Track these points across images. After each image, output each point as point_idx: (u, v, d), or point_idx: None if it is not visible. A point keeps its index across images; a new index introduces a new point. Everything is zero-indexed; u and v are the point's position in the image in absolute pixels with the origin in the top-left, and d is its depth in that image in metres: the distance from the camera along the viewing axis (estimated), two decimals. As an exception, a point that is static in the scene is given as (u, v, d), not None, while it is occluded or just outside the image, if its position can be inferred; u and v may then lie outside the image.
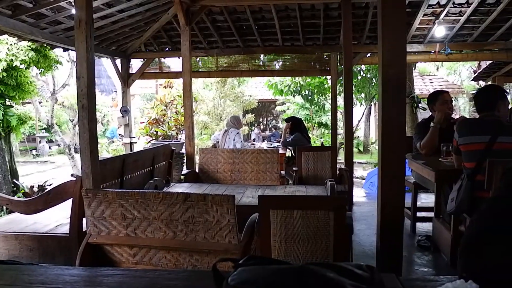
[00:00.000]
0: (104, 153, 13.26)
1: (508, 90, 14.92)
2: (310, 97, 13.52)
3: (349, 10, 4.95)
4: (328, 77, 9.11)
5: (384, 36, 2.33)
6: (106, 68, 21.94)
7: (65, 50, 6.24)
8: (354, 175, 7.01)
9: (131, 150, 7.64)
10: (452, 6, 5.84)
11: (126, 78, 7.47)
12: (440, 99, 4.03)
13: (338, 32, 6.53)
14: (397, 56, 2.30)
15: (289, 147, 6.57)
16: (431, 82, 18.23)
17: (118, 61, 7.31)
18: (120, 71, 7.35)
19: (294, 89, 13.07)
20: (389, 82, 2.27)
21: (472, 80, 13.73)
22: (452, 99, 4.27)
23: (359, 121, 15.41)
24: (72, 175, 3.10)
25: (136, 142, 8.43)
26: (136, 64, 8.39)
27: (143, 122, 11.11)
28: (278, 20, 6.26)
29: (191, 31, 5.65)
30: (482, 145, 2.81)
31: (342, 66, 5.75)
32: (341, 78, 6.33)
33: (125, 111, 7.65)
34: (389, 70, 2.28)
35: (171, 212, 2.33)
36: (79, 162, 3.07)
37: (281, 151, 6.77)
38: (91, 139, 2.81)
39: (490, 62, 8.34)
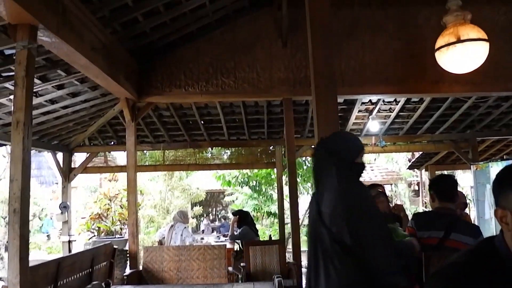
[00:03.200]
0: (39, 252, 12.29)
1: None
2: (258, 188, 13.66)
3: (290, 106, 5.25)
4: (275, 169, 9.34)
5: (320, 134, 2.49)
6: (47, 158, 21.21)
7: (1, 145, 6.03)
8: (304, 265, 6.91)
9: (69, 249, 7.15)
10: (383, 103, 6.38)
11: (68, 173, 7.23)
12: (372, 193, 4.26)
13: (282, 127, 6.84)
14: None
15: (237, 241, 6.46)
16: (372, 170, 19.14)
17: (60, 155, 7.12)
18: (61, 165, 7.13)
19: (242, 180, 13.20)
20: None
21: (407, 168, 14.56)
22: (385, 190, 4.51)
23: (306, 210, 15.58)
24: (-4, 284, 2.82)
25: (75, 240, 7.92)
26: (79, 156, 8.21)
27: (85, 217, 10.58)
28: (224, 115, 6.50)
29: (137, 126, 5.70)
30: (435, 239, 2.87)
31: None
32: (286, 170, 6.50)
33: (64, 207, 7.27)
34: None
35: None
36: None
37: (228, 245, 6.63)
38: (22, 246, 2.61)
39: (421, 152, 8.98)
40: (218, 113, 6.40)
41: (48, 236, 15.14)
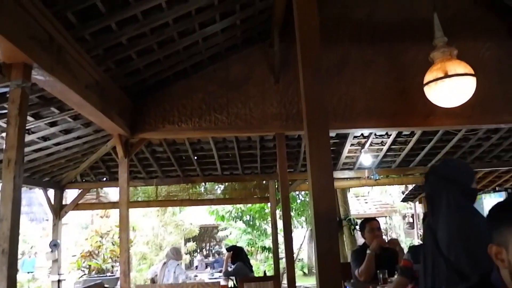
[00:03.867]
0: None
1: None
2: (251, 222, 13.53)
3: (283, 141, 5.27)
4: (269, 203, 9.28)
5: (313, 173, 2.49)
6: (38, 195, 20.91)
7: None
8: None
9: (58, 289, 6.95)
10: (375, 137, 6.45)
11: (59, 210, 7.12)
12: (367, 227, 4.28)
13: (275, 161, 6.85)
14: (326, 191, 2.44)
15: (231, 277, 6.33)
16: (366, 203, 19.09)
17: (51, 191, 7.04)
18: (52, 202, 7.03)
19: (236, 214, 13.09)
20: (321, 217, 2.37)
21: (401, 201, 14.54)
22: (380, 224, 4.52)
23: (301, 243, 15.39)
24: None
25: (65, 280, 7.71)
26: (71, 192, 8.12)
27: (75, 255, 10.35)
28: (217, 151, 6.51)
29: (129, 162, 5.68)
30: None
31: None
32: (280, 204, 6.47)
33: (54, 245, 7.12)
34: (320, 206, 2.40)
35: None
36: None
37: (223, 282, 6.48)
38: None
39: (414, 185, 9.00)
40: (211, 148, 6.41)
41: (32, 275, 14.65)
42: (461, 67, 3.84)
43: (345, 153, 6.77)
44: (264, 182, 7.63)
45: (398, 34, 5.03)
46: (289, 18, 3.20)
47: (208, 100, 4.92)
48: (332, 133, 6.05)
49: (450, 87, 3.78)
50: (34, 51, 2.69)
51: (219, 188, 8.39)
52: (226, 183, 7.89)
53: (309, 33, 2.69)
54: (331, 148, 6.62)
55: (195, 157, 6.78)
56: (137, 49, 3.97)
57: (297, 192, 12.10)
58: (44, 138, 5.07)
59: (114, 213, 10.51)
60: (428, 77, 3.92)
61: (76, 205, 7.31)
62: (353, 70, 4.97)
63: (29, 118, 4.22)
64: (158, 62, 4.43)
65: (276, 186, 7.32)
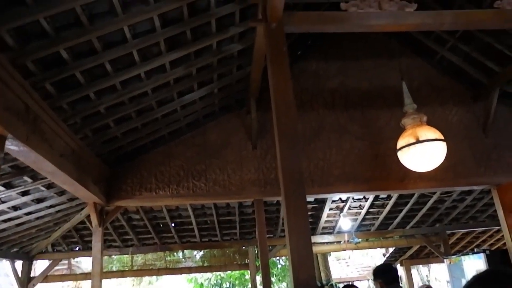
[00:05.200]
0: None
1: (417, 271, 15.64)
2: (231, 290, 13.02)
3: (262, 207, 5.23)
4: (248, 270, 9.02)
5: (291, 241, 2.47)
6: (4, 265, 19.76)
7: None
8: None
9: None
10: (353, 201, 6.48)
11: (26, 283, 6.72)
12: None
13: (254, 227, 6.74)
14: (305, 259, 2.42)
15: None
16: (348, 266, 18.74)
17: (18, 262, 6.68)
18: (19, 274, 6.65)
19: (215, 282, 12.61)
20: (301, 284, 2.33)
21: (384, 264, 14.31)
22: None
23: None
24: None
25: None
26: (41, 263, 7.73)
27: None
28: (195, 217, 6.40)
29: (104, 230, 5.49)
30: None
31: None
32: (260, 270, 6.29)
33: (19, 322, 6.64)
34: (300, 274, 2.36)
35: None
36: None
37: None
38: None
39: (395, 247, 8.94)
40: (189, 215, 6.30)
41: None
42: (431, 132, 3.98)
43: (324, 217, 6.75)
44: (243, 247, 7.46)
45: (370, 101, 5.25)
46: (265, 86, 3.31)
47: (186, 166, 4.91)
48: (311, 198, 6.06)
49: (422, 152, 3.90)
50: (9, 122, 2.67)
51: (197, 255, 8.14)
52: (205, 250, 7.68)
53: (284, 106, 2.79)
54: (310, 213, 6.62)
55: (173, 224, 6.62)
56: (115, 117, 4.00)
57: (277, 257, 11.83)
58: (15, 208, 4.90)
59: (87, 284, 10.00)
60: (400, 142, 4.05)
61: (46, 277, 6.93)
62: (329, 135, 5.10)
63: (0, 188, 4.11)
64: (136, 130, 4.45)
65: (256, 252, 7.15)
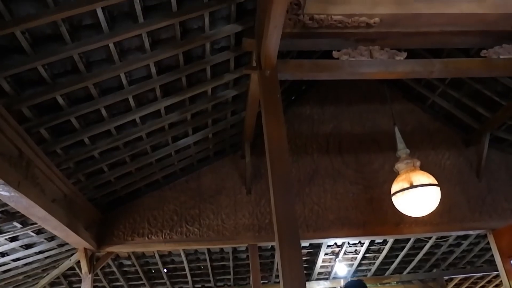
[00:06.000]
0: None
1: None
2: None
3: (256, 252, 5.14)
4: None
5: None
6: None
7: None
8: None
9: None
10: (348, 245, 6.39)
11: (10, 334, 6.43)
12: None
13: (248, 273, 6.59)
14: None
15: None
16: (345, 314, 18.21)
17: (3, 313, 6.42)
18: (4, 325, 6.38)
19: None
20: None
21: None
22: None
23: None
24: None
25: None
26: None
27: None
28: (188, 263, 6.25)
29: (94, 277, 5.34)
30: None
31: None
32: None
33: None
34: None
35: None
36: None
37: None
38: None
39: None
40: (182, 260, 6.16)
41: None
42: (425, 177, 3.99)
43: (319, 262, 6.62)
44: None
45: (364, 145, 5.30)
46: (260, 130, 3.34)
47: (179, 211, 4.86)
48: (306, 243, 5.97)
49: (416, 197, 3.89)
50: (1, 168, 2.66)
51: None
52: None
53: (278, 152, 2.80)
54: (305, 258, 6.50)
55: (165, 270, 6.46)
56: (109, 162, 3.99)
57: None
58: (2, 254, 4.77)
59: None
60: (394, 187, 4.05)
61: (31, 328, 6.63)
62: (323, 180, 5.09)
63: (-11, 234, 4.03)
64: (130, 174, 4.43)
65: (250, 299, 6.95)
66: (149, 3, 2.77)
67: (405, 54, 3.31)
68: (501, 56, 3.39)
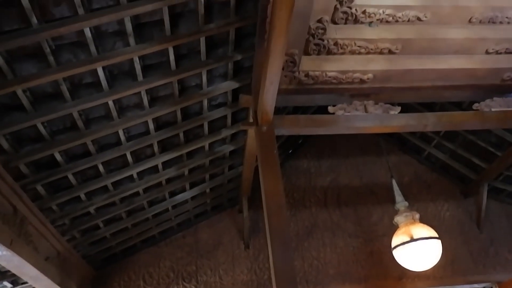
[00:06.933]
0: None
1: None
2: None
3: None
4: None
5: None
6: None
7: None
8: None
9: None
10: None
11: None
12: None
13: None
14: None
15: None
16: None
17: None
18: None
19: None
20: None
21: None
22: None
23: None
24: None
25: None
26: None
27: None
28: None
29: None
30: None
31: None
32: None
33: None
34: None
35: None
36: None
37: None
38: None
39: None
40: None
41: None
42: (425, 230, 3.94)
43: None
44: None
45: (362, 198, 5.27)
46: (257, 184, 3.34)
47: (176, 268, 4.73)
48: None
49: (418, 250, 3.81)
50: (-5, 227, 2.62)
51: None
52: None
53: (276, 207, 2.79)
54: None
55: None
56: (105, 218, 3.94)
57: None
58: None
59: None
60: (395, 241, 3.98)
61: None
62: (322, 234, 5.02)
63: (-23, 295, 3.89)
64: (126, 230, 4.36)
65: None
66: (149, 62, 2.86)
67: (399, 108, 3.37)
68: (492, 109, 3.46)
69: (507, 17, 3.09)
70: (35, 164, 2.96)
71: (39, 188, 3.09)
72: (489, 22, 3.11)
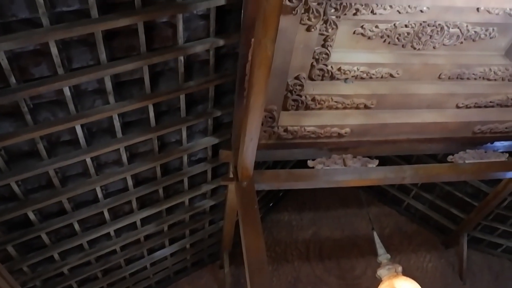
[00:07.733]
0: None
1: None
2: None
3: None
4: None
5: None
6: None
7: None
8: None
9: None
10: None
11: None
12: None
13: None
14: None
15: None
16: None
17: None
18: None
19: None
20: None
21: None
22: None
23: None
24: None
25: None
26: None
27: None
28: None
29: None
30: None
31: None
32: None
33: None
34: None
35: None
36: None
37: None
38: None
39: None
40: None
41: None
42: (408, 283, 3.87)
43: None
44: None
45: (344, 251, 5.22)
46: (239, 239, 3.28)
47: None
48: None
49: (402, 305, 3.74)
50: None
51: None
52: None
53: (257, 264, 2.74)
54: None
55: None
56: (80, 278, 3.77)
57: None
58: None
59: None
60: (379, 295, 3.90)
61: None
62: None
63: None
64: (102, 290, 4.17)
65: None
66: (128, 119, 2.86)
67: (376, 161, 3.43)
68: (466, 161, 3.56)
69: (473, 74, 3.25)
70: (6, 224, 2.85)
71: (10, 249, 2.96)
72: (457, 78, 3.26)
